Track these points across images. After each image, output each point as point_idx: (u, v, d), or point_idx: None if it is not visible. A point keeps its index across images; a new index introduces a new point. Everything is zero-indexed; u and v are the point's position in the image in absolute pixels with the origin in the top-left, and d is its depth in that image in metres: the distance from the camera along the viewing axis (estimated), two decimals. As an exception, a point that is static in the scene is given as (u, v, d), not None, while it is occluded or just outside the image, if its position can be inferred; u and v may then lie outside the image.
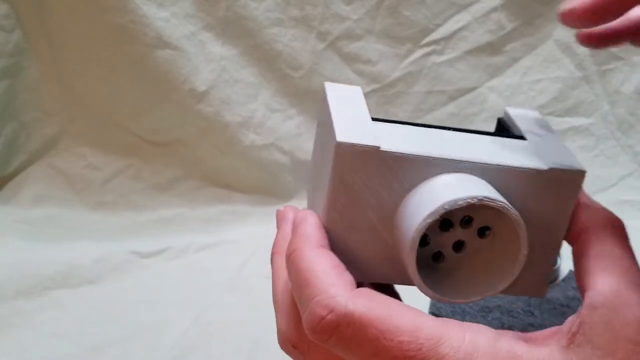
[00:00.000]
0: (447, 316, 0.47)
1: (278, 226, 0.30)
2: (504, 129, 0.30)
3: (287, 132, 0.81)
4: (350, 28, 0.79)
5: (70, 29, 0.75)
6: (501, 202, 0.24)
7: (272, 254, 0.28)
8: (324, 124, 0.27)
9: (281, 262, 0.27)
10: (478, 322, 0.46)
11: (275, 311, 0.26)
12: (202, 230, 0.76)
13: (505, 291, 0.27)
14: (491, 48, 0.82)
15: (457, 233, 0.26)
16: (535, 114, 0.31)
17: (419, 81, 0.82)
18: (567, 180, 0.25)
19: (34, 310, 0.61)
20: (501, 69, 0.83)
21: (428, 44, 0.81)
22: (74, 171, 0.79)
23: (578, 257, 0.25)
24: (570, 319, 0.23)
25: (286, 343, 0.25)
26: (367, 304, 0.22)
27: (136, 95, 0.77)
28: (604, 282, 0.23)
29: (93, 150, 0.80)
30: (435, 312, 0.49)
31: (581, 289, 0.24)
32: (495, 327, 0.46)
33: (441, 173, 0.25)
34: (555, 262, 0.51)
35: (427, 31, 0.81)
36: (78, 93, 0.78)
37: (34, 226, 0.73)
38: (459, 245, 0.27)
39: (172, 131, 0.80)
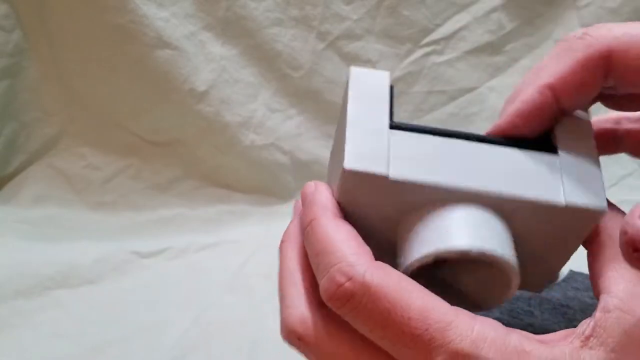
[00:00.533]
0: None
1: (295, 215, 0.30)
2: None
3: (287, 132, 0.81)
4: (350, 28, 0.79)
5: (70, 29, 0.75)
6: (497, 256, 0.23)
7: (282, 242, 0.28)
8: (342, 118, 0.26)
9: (290, 250, 0.27)
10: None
11: (281, 301, 0.26)
12: (202, 230, 0.76)
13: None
14: (491, 48, 0.82)
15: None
16: (581, 114, 0.27)
17: (419, 81, 0.82)
18: (585, 216, 0.24)
19: (34, 310, 0.61)
20: (501, 69, 0.83)
21: (428, 44, 0.81)
22: (74, 171, 0.79)
23: (593, 260, 0.25)
24: (584, 322, 0.23)
25: (291, 335, 0.25)
26: (384, 277, 0.22)
27: (136, 95, 0.77)
28: (618, 286, 0.23)
29: (93, 150, 0.80)
30: None
31: (595, 291, 0.24)
32: None
33: (448, 201, 0.24)
34: None
35: (427, 31, 0.81)
36: (78, 93, 0.78)
37: (34, 226, 0.73)
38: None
39: (172, 131, 0.80)
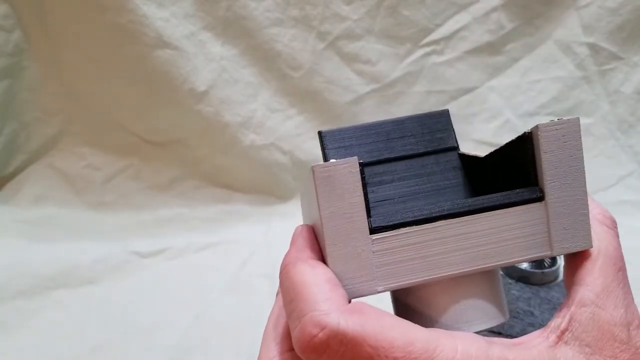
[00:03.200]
0: None
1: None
2: (523, 159, 0.26)
3: (287, 132, 0.81)
4: (350, 28, 0.79)
5: (70, 29, 0.75)
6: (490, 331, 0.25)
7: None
8: (315, 213, 0.25)
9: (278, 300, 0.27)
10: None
11: (262, 343, 0.26)
12: (202, 230, 0.76)
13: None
14: (491, 48, 0.82)
15: None
16: (571, 131, 0.25)
17: (419, 81, 0.82)
18: (572, 253, 0.25)
19: (34, 310, 0.61)
20: (501, 69, 0.83)
21: (428, 44, 0.81)
22: (74, 171, 0.79)
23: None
24: (558, 314, 0.23)
25: None
26: (360, 321, 0.21)
27: (136, 95, 0.77)
28: (596, 279, 0.23)
29: (93, 150, 0.80)
30: None
31: (569, 281, 0.25)
32: (496, 328, 0.46)
33: (438, 283, 0.25)
34: (555, 262, 0.51)
35: (427, 31, 0.81)
36: (78, 93, 0.78)
37: (34, 226, 0.73)
38: None
39: (172, 131, 0.80)
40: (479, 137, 0.83)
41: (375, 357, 0.21)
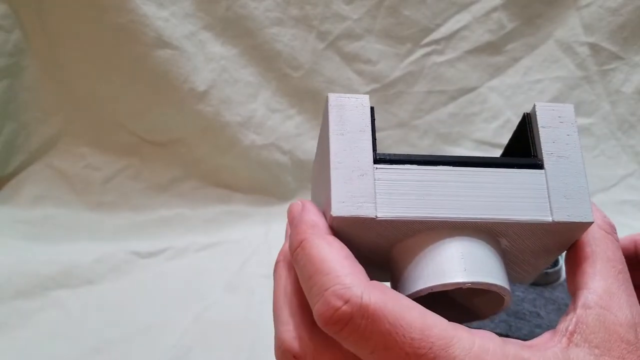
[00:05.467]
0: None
1: (287, 236, 0.29)
2: (526, 134, 0.27)
3: (287, 132, 0.81)
4: (350, 28, 0.79)
5: (70, 29, 0.74)
6: (490, 284, 0.24)
7: (277, 262, 0.28)
8: (324, 145, 0.26)
9: (284, 270, 0.27)
10: (485, 325, 0.46)
11: (275, 321, 0.26)
12: (202, 230, 0.75)
13: None
14: (492, 48, 0.82)
15: None
16: (566, 112, 0.27)
17: (419, 81, 0.82)
18: (572, 227, 0.25)
19: (34, 310, 0.61)
20: (502, 68, 0.83)
21: (428, 44, 0.81)
22: (73, 171, 0.79)
23: (571, 256, 0.26)
24: (563, 318, 0.24)
25: (286, 354, 0.25)
26: (382, 298, 0.21)
27: (136, 95, 0.77)
28: (597, 282, 0.24)
29: (92, 150, 0.80)
30: None
31: (572, 287, 0.25)
32: (503, 329, 0.46)
33: (440, 233, 0.25)
34: (557, 262, 0.51)
35: (428, 31, 0.80)
36: (78, 93, 0.78)
37: (34, 226, 0.73)
38: None
39: (172, 131, 0.80)
40: (479, 137, 0.83)
41: (393, 334, 0.21)
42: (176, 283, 0.66)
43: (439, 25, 0.80)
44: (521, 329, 0.46)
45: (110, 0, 0.71)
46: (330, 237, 0.24)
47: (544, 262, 0.28)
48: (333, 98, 0.26)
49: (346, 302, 0.21)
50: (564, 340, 0.22)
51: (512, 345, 0.22)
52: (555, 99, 0.83)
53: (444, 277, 0.24)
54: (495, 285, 0.24)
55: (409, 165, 0.25)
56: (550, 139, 0.26)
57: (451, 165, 0.25)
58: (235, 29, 0.77)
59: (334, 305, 0.21)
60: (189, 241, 0.72)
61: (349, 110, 0.25)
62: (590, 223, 0.25)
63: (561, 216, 0.24)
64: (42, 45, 0.76)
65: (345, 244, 0.24)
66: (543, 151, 0.26)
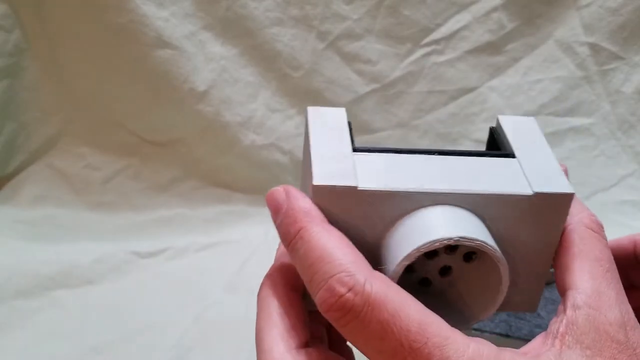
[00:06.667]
0: None
1: (278, 255, 0.29)
2: (495, 141, 0.29)
3: (287, 132, 0.81)
4: (350, 28, 0.79)
5: (70, 29, 0.74)
6: (479, 241, 0.23)
7: (262, 284, 0.28)
8: (307, 150, 0.27)
9: (268, 292, 0.27)
10: (485, 325, 0.46)
11: (258, 344, 0.25)
12: (202, 230, 0.75)
13: (500, 309, 0.27)
14: (492, 48, 0.82)
15: (443, 259, 0.26)
16: (528, 121, 0.29)
17: (419, 81, 0.82)
18: (555, 203, 0.25)
19: (34, 310, 0.61)
20: (502, 68, 0.83)
21: (428, 44, 0.81)
22: (73, 171, 0.79)
23: (559, 255, 0.26)
24: (554, 320, 0.24)
25: None
26: (384, 288, 0.22)
27: (136, 95, 0.77)
28: (585, 282, 0.24)
29: (92, 150, 0.80)
30: None
31: (561, 287, 0.25)
32: (503, 329, 0.46)
33: (422, 206, 0.24)
34: None
35: (428, 31, 0.80)
36: (78, 93, 0.78)
37: (33, 226, 0.73)
38: (445, 270, 0.27)
39: (172, 131, 0.80)
40: (479, 137, 0.83)
41: (391, 324, 0.21)
42: (176, 283, 0.66)
43: (439, 25, 0.80)
44: (521, 329, 0.46)
45: (110, 0, 0.71)
46: (328, 225, 0.24)
47: (538, 265, 0.27)
48: (312, 109, 0.28)
49: (350, 289, 0.21)
50: (557, 342, 0.22)
51: (507, 353, 0.22)
52: (555, 99, 0.83)
53: (430, 235, 0.23)
54: (485, 244, 0.23)
55: (385, 153, 0.26)
56: (517, 139, 0.27)
57: (428, 154, 0.26)
58: (235, 29, 0.77)
59: (338, 292, 0.21)
60: (189, 241, 0.72)
61: (328, 115, 0.28)
62: (571, 195, 0.25)
63: (540, 188, 0.24)
64: (42, 45, 0.76)
65: None
66: (512, 147, 0.27)
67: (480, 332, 0.47)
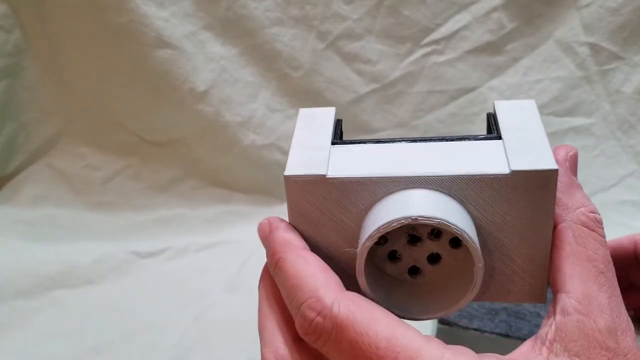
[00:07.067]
0: (453, 321, 0.47)
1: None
2: (489, 126, 0.28)
3: (287, 132, 0.81)
4: (350, 28, 0.79)
5: (70, 29, 0.75)
6: (437, 219, 0.23)
7: (260, 280, 0.28)
8: None
9: (265, 288, 0.27)
10: (485, 325, 0.46)
11: (260, 338, 0.26)
12: (202, 230, 0.75)
13: (503, 299, 0.27)
14: (492, 48, 0.82)
15: (428, 246, 0.26)
16: (526, 104, 0.28)
17: (419, 81, 0.82)
18: (537, 181, 0.23)
19: (34, 310, 0.61)
20: (502, 68, 0.83)
21: (428, 44, 0.81)
22: (73, 171, 0.79)
23: (551, 254, 0.25)
24: (544, 322, 0.23)
25: None
26: (352, 307, 0.22)
27: (136, 95, 0.77)
28: (576, 285, 0.23)
29: (92, 150, 0.80)
30: (442, 318, 0.49)
31: (552, 286, 0.24)
32: (503, 329, 0.46)
33: (393, 191, 0.24)
34: None
35: (428, 31, 0.80)
36: (78, 93, 0.78)
37: (33, 226, 0.73)
38: (435, 258, 0.26)
39: (172, 131, 0.80)
40: (479, 137, 0.83)
41: (359, 342, 0.21)
42: (176, 283, 0.66)
43: (439, 25, 0.80)
44: (521, 329, 0.46)
45: (110, 0, 0.71)
46: (304, 252, 0.25)
47: (535, 251, 0.26)
48: (303, 110, 0.29)
49: (318, 313, 0.22)
50: (544, 350, 0.22)
51: (488, 359, 0.22)
52: (555, 99, 0.83)
53: (389, 216, 0.23)
54: (444, 221, 0.23)
55: (368, 144, 0.26)
56: (508, 122, 0.26)
57: (409, 141, 0.26)
58: (235, 29, 0.77)
59: (309, 317, 0.22)
60: (189, 241, 0.72)
61: (317, 114, 0.29)
62: (554, 170, 0.23)
63: (518, 166, 0.23)
64: (42, 45, 0.76)
65: (314, 231, 0.25)
66: (501, 128, 0.26)
67: (480, 332, 0.47)
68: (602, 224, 0.25)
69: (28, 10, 0.74)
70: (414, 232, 0.25)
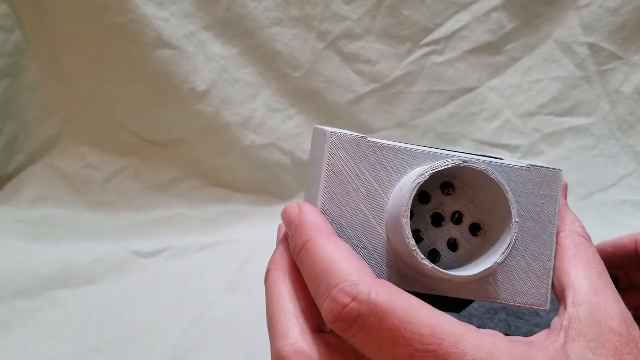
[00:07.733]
0: None
1: (278, 243, 0.29)
2: None
3: (287, 132, 0.81)
4: (350, 28, 0.79)
5: (70, 29, 0.75)
6: (484, 167, 0.25)
7: (268, 271, 0.27)
8: (313, 167, 0.29)
9: (279, 278, 0.26)
10: (485, 324, 0.46)
11: (271, 331, 0.25)
12: (202, 230, 0.76)
13: (507, 299, 0.28)
14: (491, 48, 0.82)
15: (450, 229, 0.27)
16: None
17: (419, 81, 0.82)
18: (547, 177, 0.28)
19: (34, 310, 0.61)
20: (501, 69, 0.83)
21: (428, 44, 0.81)
22: (73, 171, 0.79)
23: (555, 259, 0.27)
24: (557, 318, 0.24)
25: None
26: (390, 294, 0.21)
27: (136, 95, 0.77)
28: (581, 282, 0.25)
29: (93, 150, 0.80)
30: None
31: (558, 288, 0.26)
32: (503, 330, 0.46)
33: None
34: None
35: (427, 31, 0.81)
36: (78, 93, 0.78)
37: (34, 226, 0.73)
38: (454, 246, 0.28)
39: (172, 131, 0.80)
40: (479, 137, 0.83)
41: (402, 330, 0.21)
42: (176, 283, 0.66)
43: (439, 25, 0.80)
44: (520, 328, 0.46)
45: (110, 0, 0.71)
46: (335, 237, 0.24)
47: (539, 251, 0.28)
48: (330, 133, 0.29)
49: (354, 298, 0.21)
50: (562, 335, 0.23)
51: (519, 345, 0.22)
52: (555, 99, 0.83)
53: (437, 166, 0.25)
54: (488, 170, 0.25)
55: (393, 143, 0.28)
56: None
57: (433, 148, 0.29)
58: (235, 29, 0.77)
59: (342, 302, 0.21)
60: (189, 241, 0.72)
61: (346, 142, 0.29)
62: (559, 170, 0.28)
63: (535, 164, 0.28)
64: (42, 45, 0.76)
65: (344, 195, 0.26)
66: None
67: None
68: (590, 238, 0.28)
69: (28, 10, 0.74)
70: (440, 210, 0.27)
